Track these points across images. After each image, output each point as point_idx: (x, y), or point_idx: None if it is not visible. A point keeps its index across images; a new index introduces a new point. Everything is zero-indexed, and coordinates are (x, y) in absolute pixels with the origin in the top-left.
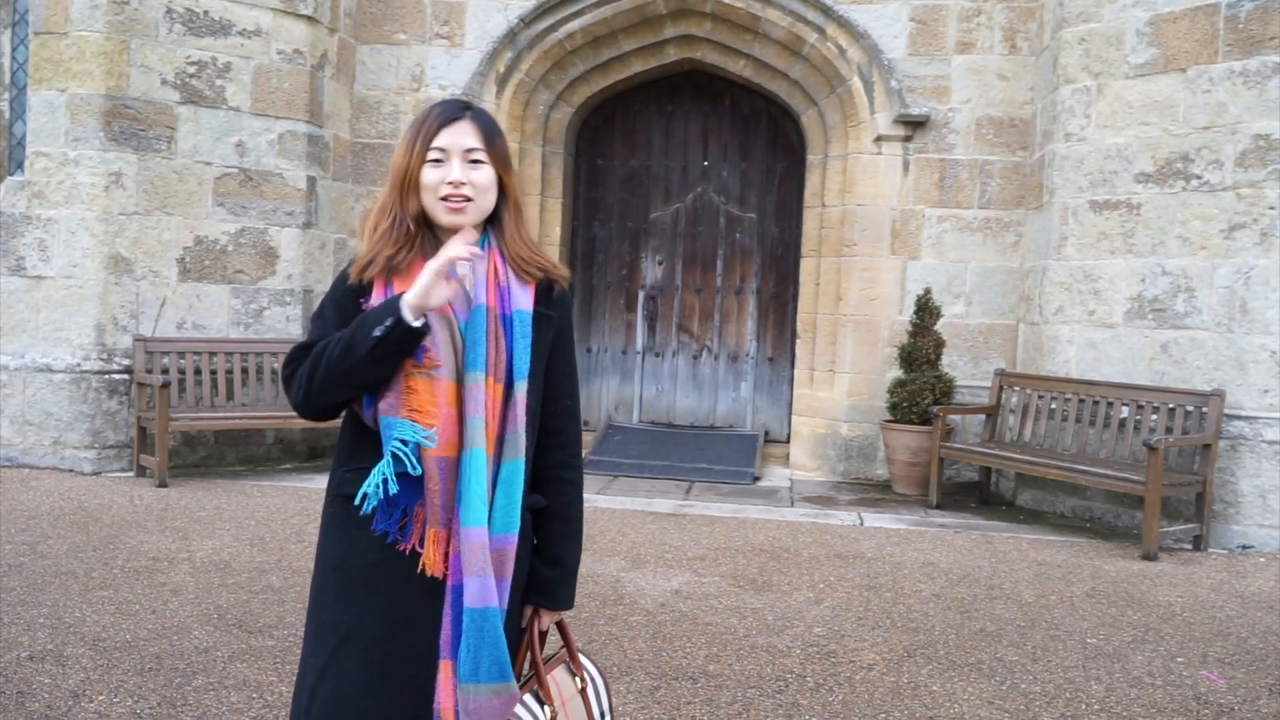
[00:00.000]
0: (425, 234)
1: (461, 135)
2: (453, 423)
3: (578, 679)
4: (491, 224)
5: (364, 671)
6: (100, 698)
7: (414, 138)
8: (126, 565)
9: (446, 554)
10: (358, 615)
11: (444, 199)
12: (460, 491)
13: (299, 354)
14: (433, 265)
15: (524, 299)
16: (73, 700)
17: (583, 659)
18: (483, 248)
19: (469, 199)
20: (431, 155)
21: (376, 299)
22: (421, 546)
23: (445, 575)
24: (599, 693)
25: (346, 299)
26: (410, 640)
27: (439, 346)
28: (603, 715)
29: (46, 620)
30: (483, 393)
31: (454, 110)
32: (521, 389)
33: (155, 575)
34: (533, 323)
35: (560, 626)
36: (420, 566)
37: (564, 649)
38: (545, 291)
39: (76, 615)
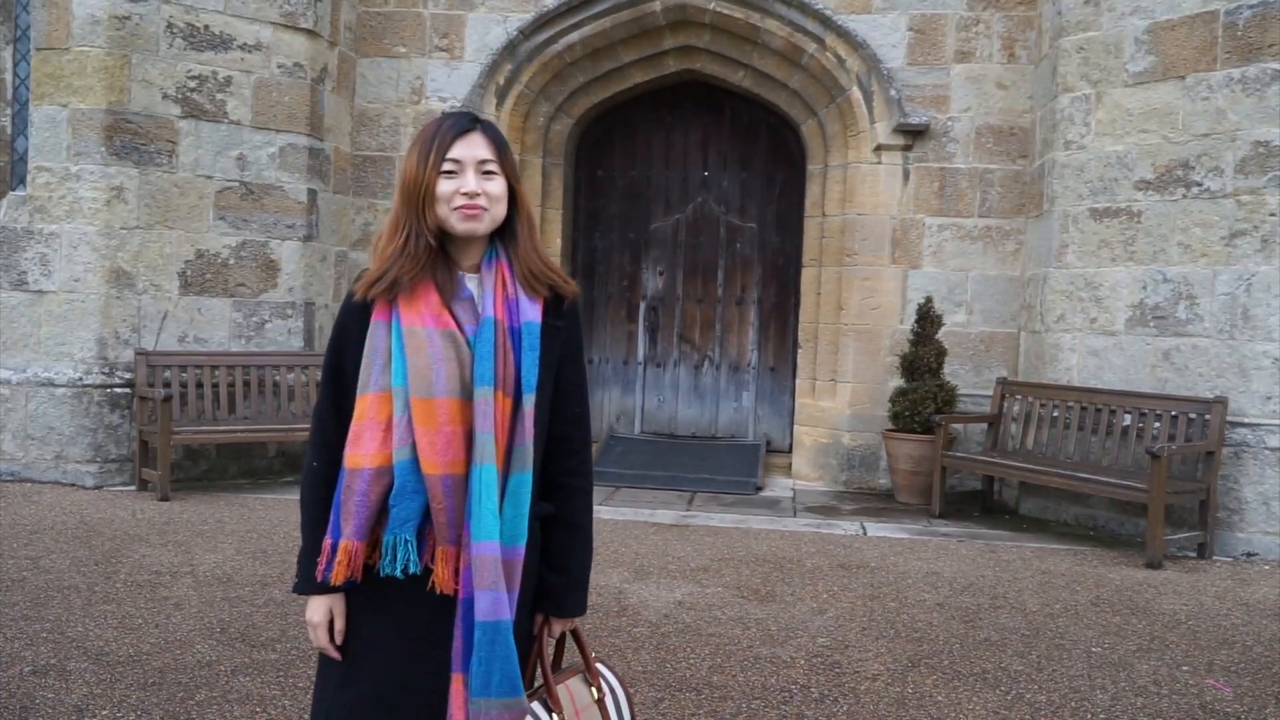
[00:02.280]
0: (434, 252)
1: (475, 147)
2: (459, 440)
3: (594, 689)
4: (503, 235)
5: (378, 684)
6: (103, 713)
7: (427, 150)
8: (129, 579)
9: (457, 569)
10: (372, 630)
11: (459, 208)
12: (471, 507)
13: (315, 422)
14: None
15: (532, 310)
16: (76, 715)
17: (601, 668)
18: (491, 259)
19: (484, 208)
20: (445, 167)
21: (378, 320)
22: (433, 563)
23: (456, 589)
24: (619, 703)
25: (350, 320)
26: (423, 653)
27: (441, 363)
28: None
29: (49, 635)
30: (491, 407)
31: (465, 123)
32: (530, 402)
33: (158, 589)
34: (541, 334)
35: (575, 635)
36: (430, 582)
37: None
38: (554, 302)
39: (79, 630)
